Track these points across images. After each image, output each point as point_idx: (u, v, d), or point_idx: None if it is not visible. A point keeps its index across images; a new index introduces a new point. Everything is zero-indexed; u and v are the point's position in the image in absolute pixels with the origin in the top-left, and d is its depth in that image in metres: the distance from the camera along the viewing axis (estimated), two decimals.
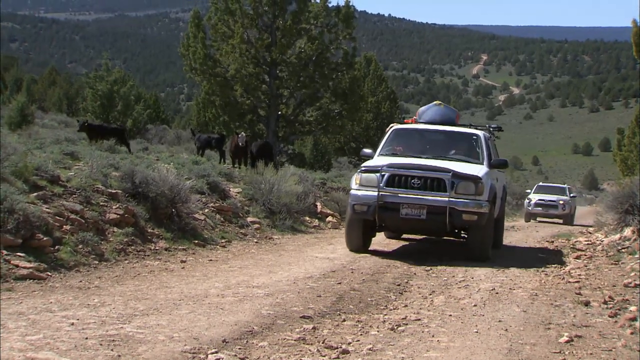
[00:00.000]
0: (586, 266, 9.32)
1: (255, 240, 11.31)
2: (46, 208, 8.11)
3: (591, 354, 5.03)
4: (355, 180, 10.12)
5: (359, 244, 10.26)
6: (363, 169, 10.09)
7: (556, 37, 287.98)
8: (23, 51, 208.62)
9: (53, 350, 4.47)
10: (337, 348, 4.99)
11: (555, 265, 9.77)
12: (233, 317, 5.71)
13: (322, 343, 5.13)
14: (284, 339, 5.18)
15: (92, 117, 23.69)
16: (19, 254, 7.03)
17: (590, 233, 14.54)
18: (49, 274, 7.03)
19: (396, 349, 5.04)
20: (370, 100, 35.75)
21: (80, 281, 6.99)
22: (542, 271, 9.06)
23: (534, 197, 25.61)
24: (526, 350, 5.07)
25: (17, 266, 6.81)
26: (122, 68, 32.10)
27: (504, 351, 5.04)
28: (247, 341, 5.07)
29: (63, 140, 17.61)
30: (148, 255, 8.71)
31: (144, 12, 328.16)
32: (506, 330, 5.66)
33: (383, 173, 9.73)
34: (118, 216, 9.02)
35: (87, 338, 4.80)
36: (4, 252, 6.91)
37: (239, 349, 4.87)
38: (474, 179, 9.69)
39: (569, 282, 8.05)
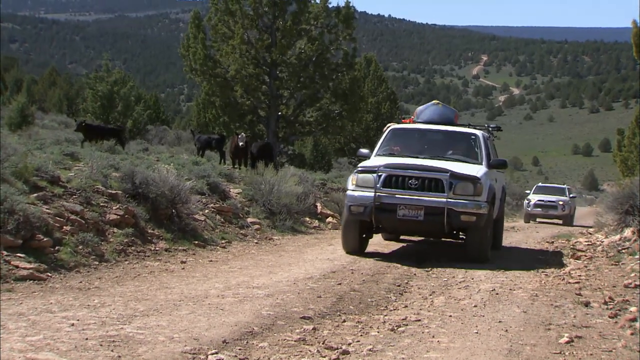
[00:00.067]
0: (586, 267, 9.31)
1: (256, 241, 11.31)
2: (46, 209, 8.11)
3: (591, 354, 5.03)
4: (351, 180, 9.99)
5: (356, 245, 10.14)
6: (360, 169, 9.97)
7: (556, 37, 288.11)
8: (23, 52, 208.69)
9: (53, 351, 4.47)
10: (337, 349, 4.99)
11: (555, 265, 9.77)
12: (233, 318, 5.71)
13: (322, 344, 5.13)
14: (284, 340, 5.18)
15: (92, 118, 23.68)
16: (19, 254, 7.03)
17: (590, 234, 14.53)
18: (49, 274, 7.03)
19: (396, 350, 5.03)
20: (371, 101, 35.76)
21: (81, 282, 6.99)
22: (542, 272, 9.06)
23: (534, 198, 25.55)
24: (526, 351, 5.07)
25: (17, 267, 6.81)
26: (122, 69, 32.10)
27: (504, 352, 5.03)
28: (247, 342, 5.07)
29: (63, 140, 17.64)
30: (148, 256, 8.71)
31: (144, 12, 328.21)
32: (506, 330, 5.66)
33: (380, 173, 9.60)
34: (118, 217, 9.02)
35: (87, 339, 4.80)
36: (4, 252, 6.91)
37: (239, 349, 4.87)
38: (473, 180, 9.57)
39: (569, 282, 8.05)
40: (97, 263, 7.87)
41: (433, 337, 5.42)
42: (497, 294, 7.33)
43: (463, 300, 6.92)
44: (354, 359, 4.84)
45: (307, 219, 14.36)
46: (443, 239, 11.55)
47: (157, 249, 9.13)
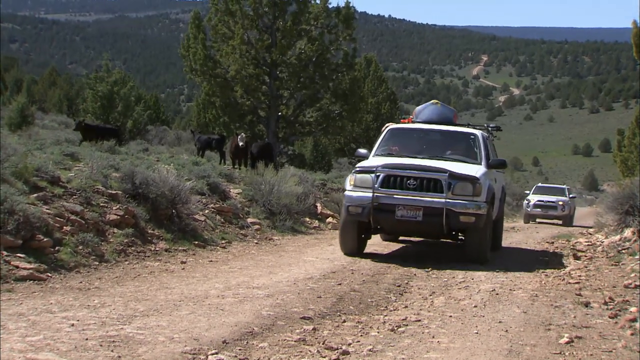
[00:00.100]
0: (586, 267, 9.31)
1: (256, 241, 11.31)
2: (46, 209, 8.11)
3: (591, 355, 5.03)
4: (349, 181, 9.87)
5: (354, 246, 10.03)
6: (357, 169, 9.87)
7: (556, 38, 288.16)
8: (23, 52, 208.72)
9: (53, 351, 4.47)
10: (337, 349, 4.99)
11: (555, 266, 9.77)
12: (233, 318, 5.71)
13: (322, 344, 5.13)
14: (284, 340, 5.18)
15: (93, 118, 23.67)
16: (19, 255, 7.04)
17: (590, 234, 14.53)
18: (49, 274, 7.03)
19: (396, 350, 5.04)
20: (371, 101, 35.74)
21: (81, 282, 6.99)
22: (543, 272, 9.06)
23: (533, 198, 25.51)
24: (526, 351, 5.07)
25: (17, 267, 6.81)
26: (123, 69, 32.02)
27: (504, 352, 5.04)
28: (247, 342, 5.07)
29: (63, 141, 17.63)
30: (148, 256, 8.72)
31: (144, 13, 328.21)
32: (506, 331, 5.66)
33: (378, 174, 9.49)
34: (118, 217, 9.02)
35: (87, 339, 4.80)
36: (4, 253, 6.92)
37: (239, 349, 4.87)
38: (472, 180, 9.46)
39: (569, 283, 8.05)
40: (97, 263, 7.87)
41: (433, 337, 5.42)
42: (497, 294, 7.33)
43: (463, 301, 6.92)
44: (354, 359, 4.84)
45: (307, 219, 14.36)
46: (442, 240, 11.49)
47: (157, 249, 9.13)
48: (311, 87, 24.51)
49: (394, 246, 11.82)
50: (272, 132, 24.30)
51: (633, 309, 6.34)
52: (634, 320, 5.89)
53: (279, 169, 17.39)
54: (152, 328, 5.23)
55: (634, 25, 13.12)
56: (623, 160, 28.47)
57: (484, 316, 6.21)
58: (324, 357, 4.85)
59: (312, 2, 24.47)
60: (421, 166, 9.60)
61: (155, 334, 5.08)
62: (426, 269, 8.95)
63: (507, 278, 8.48)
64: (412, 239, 12.42)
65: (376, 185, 9.46)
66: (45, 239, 7.45)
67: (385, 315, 6.21)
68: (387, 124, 11.93)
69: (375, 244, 11.58)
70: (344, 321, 5.92)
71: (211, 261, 9.01)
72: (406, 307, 6.63)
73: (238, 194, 13.41)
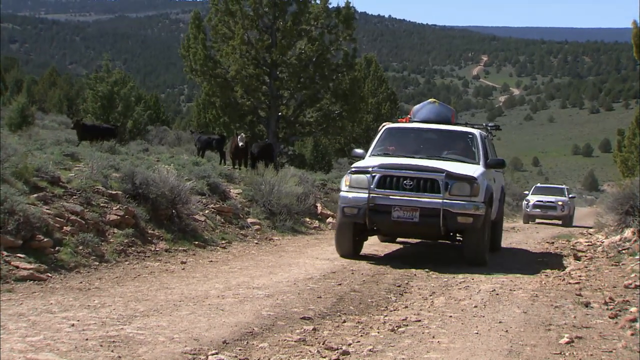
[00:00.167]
0: (586, 267, 9.31)
1: (256, 242, 11.31)
2: (46, 209, 8.12)
3: (591, 355, 5.03)
4: (345, 181, 9.70)
5: (350, 248, 9.82)
6: (353, 169, 9.70)
7: (556, 38, 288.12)
8: (23, 52, 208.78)
9: (53, 352, 4.47)
10: (337, 349, 4.99)
11: (555, 266, 9.76)
12: (233, 318, 5.71)
13: (323, 344, 5.13)
14: (285, 340, 5.18)
15: (93, 118, 23.66)
16: (19, 255, 7.04)
17: (590, 234, 14.54)
18: (49, 275, 7.03)
19: (396, 350, 5.03)
20: (371, 102, 35.75)
21: (81, 282, 6.99)
22: (543, 272, 9.06)
23: (532, 199, 25.48)
24: (527, 352, 5.07)
25: (17, 267, 6.82)
26: (123, 69, 32.01)
27: (505, 352, 5.03)
28: (247, 342, 5.07)
29: (63, 141, 17.62)
30: (148, 257, 8.72)
31: (144, 13, 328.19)
32: (506, 331, 5.65)
33: (374, 174, 9.31)
34: (118, 217, 9.03)
35: (87, 339, 4.80)
36: (5, 253, 6.92)
37: (240, 350, 4.87)
38: (469, 180, 9.30)
39: (570, 283, 8.05)
40: (97, 263, 7.87)
41: (433, 337, 5.42)
42: (497, 294, 7.33)
43: (463, 301, 6.92)
44: (354, 359, 4.84)
45: (308, 219, 14.36)
46: (440, 241, 11.42)
47: (157, 249, 9.13)
48: (311, 87, 24.52)
49: (393, 247, 11.82)
50: (272, 132, 24.31)
51: (633, 309, 6.34)
52: (634, 320, 5.89)
53: (279, 169, 17.39)
54: (152, 328, 5.23)
55: (634, 25, 13.11)
56: (623, 160, 28.47)
57: (484, 316, 6.21)
58: (324, 357, 4.85)
59: (312, 2, 24.49)
60: (418, 166, 9.44)
61: (156, 334, 5.08)
62: (426, 269, 8.95)
63: (507, 278, 8.48)
64: (411, 239, 12.38)
65: (372, 186, 9.28)
66: (45, 239, 7.45)
67: (386, 316, 6.21)
68: (383, 124, 11.76)
69: (375, 244, 11.59)
70: (344, 321, 5.92)
71: (211, 261, 9.01)
72: (406, 307, 6.63)
73: (238, 194, 13.41)
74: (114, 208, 9.18)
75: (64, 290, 6.56)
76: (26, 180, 8.50)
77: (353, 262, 9.38)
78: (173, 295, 6.58)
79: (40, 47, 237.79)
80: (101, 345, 4.68)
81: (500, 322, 5.98)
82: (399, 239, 12.28)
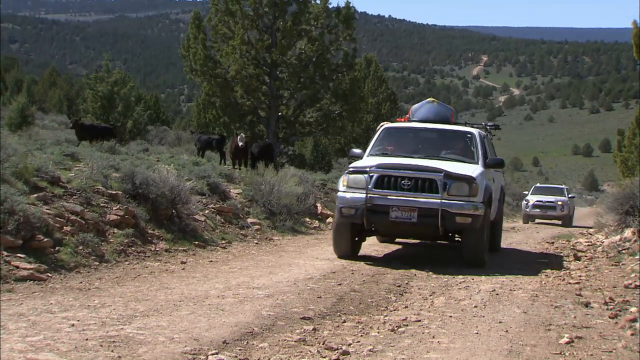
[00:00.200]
0: (586, 267, 9.32)
1: (256, 242, 11.31)
2: (46, 209, 8.12)
3: (591, 355, 5.03)
4: (342, 181, 9.59)
5: (348, 249, 9.72)
6: (351, 169, 9.62)
7: (556, 38, 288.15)
8: (23, 52, 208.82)
9: (53, 352, 4.47)
10: (337, 349, 4.99)
11: (555, 266, 9.76)
12: (233, 318, 5.71)
13: (323, 344, 5.14)
14: (285, 340, 5.18)
15: (93, 119, 23.66)
16: (19, 255, 7.04)
17: (590, 234, 14.55)
18: (49, 275, 7.03)
19: (396, 350, 5.03)
20: (371, 102, 35.75)
21: (81, 282, 6.99)
22: (543, 272, 9.05)
23: (532, 199, 25.46)
24: (527, 352, 5.07)
25: (17, 267, 6.82)
26: (123, 69, 32.04)
27: (505, 352, 5.04)
28: (247, 342, 5.07)
29: (63, 141, 17.63)
30: (148, 257, 8.72)
31: (144, 13, 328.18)
32: (506, 331, 5.66)
33: (371, 174, 9.20)
34: (118, 217, 9.02)
35: (87, 339, 4.80)
36: (5, 253, 6.92)
37: (240, 350, 4.87)
38: (468, 180, 9.21)
39: (570, 283, 8.05)
40: (97, 263, 7.87)
41: (433, 337, 5.42)
42: (497, 294, 7.33)
43: (463, 301, 6.92)
44: (354, 359, 4.84)
45: (308, 219, 14.36)
46: (439, 241, 11.36)
47: (157, 249, 9.13)
48: (311, 87, 24.52)
49: (393, 247, 11.82)
50: (272, 132, 24.31)
51: (633, 309, 6.34)
52: (634, 320, 5.89)
53: (279, 169, 17.39)
54: (152, 328, 5.23)
55: (634, 26, 13.12)
56: (623, 160, 28.48)
57: (484, 316, 6.21)
58: (324, 357, 4.85)
59: (312, 2, 24.50)
60: (416, 166, 9.35)
61: (156, 334, 5.08)
62: (426, 269, 8.94)
63: (507, 278, 8.48)
64: (410, 240, 12.35)
65: (370, 186, 9.19)
66: (45, 239, 7.45)
67: (386, 316, 6.21)
68: (382, 123, 11.66)
69: (374, 244, 11.59)
70: (344, 321, 5.92)
71: (211, 261, 9.01)
72: (406, 307, 6.63)
73: (238, 194, 13.41)
74: (114, 208, 9.18)
75: (64, 290, 6.56)
76: (26, 180, 8.50)
77: (353, 262, 9.37)
78: (173, 295, 6.58)
79: (40, 47, 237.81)
80: (101, 345, 4.68)
81: (500, 322, 5.98)
82: (398, 240, 12.22)
